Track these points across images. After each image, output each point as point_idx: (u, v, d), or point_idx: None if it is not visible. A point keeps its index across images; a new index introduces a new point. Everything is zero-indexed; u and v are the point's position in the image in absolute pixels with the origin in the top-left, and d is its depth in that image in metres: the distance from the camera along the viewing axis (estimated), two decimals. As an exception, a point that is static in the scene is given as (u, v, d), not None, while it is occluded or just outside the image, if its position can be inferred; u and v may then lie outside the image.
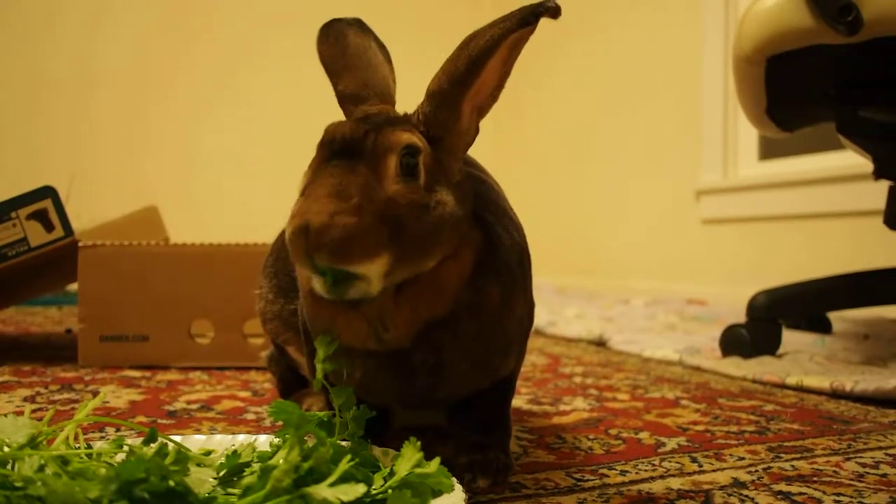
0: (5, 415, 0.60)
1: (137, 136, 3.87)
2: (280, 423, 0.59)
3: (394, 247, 0.58)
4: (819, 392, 1.28)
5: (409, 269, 0.61)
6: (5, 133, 3.62)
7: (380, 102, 0.69)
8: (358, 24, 0.75)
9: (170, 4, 3.94)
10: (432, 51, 4.46)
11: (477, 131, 0.68)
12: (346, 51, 0.72)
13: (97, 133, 3.78)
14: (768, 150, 2.98)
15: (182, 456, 0.55)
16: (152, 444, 0.61)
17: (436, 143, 0.65)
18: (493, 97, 0.67)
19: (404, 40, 4.93)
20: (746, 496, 0.72)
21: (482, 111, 0.67)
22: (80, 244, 1.46)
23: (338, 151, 0.60)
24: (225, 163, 3.98)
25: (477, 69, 0.63)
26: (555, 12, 0.62)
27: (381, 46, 0.75)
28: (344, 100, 0.70)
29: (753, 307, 1.60)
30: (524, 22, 0.62)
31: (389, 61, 0.75)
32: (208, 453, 0.64)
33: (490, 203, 0.74)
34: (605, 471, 0.80)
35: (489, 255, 0.69)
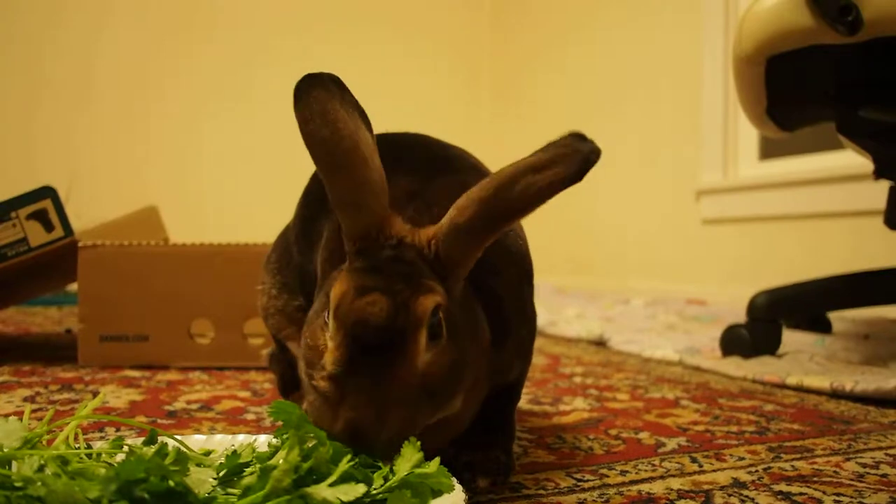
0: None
1: (137, 137, 3.87)
2: (280, 422, 0.59)
3: (431, 410, 0.61)
4: (819, 392, 1.28)
5: (440, 414, 0.63)
6: (5, 133, 3.62)
7: (377, 211, 0.63)
8: (339, 91, 0.64)
9: (170, 5, 3.94)
10: (431, 51, 4.47)
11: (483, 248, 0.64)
12: (341, 141, 0.62)
13: (97, 133, 3.78)
14: (768, 150, 2.98)
15: (182, 456, 0.55)
16: (152, 445, 0.61)
17: (448, 275, 0.62)
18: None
19: (403, 41, 4.89)
20: (747, 496, 0.72)
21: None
22: (80, 244, 1.46)
23: (370, 345, 0.57)
24: (225, 163, 3.98)
25: (518, 215, 0.61)
26: (599, 157, 0.61)
27: (362, 112, 0.66)
28: (339, 206, 0.63)
29: (753, 307, 1.60)
30: (576, 178, 0.60)
31: (369, 126, 0.66)
32: (208, 453, 0.64)
33: None
34: (605, 471, 0.79)
35: (493, 333, 0.70)
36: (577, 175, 0.60)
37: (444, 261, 0.62)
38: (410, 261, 0.61)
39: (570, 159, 0.60)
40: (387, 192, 0.64)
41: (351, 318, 0.57)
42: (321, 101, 0.62)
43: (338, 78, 0.64)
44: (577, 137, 0.61)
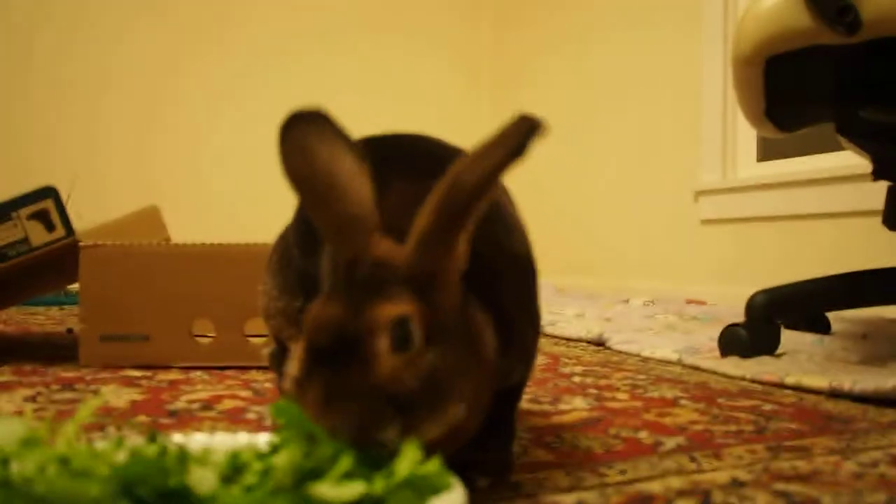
0: None
1: (139, 137, 3.87)
2: (280, 422, 0.59)
3: (405, 417, 0.58)
4: (818, 392, 1.28)
5: (432, 428, 0.60)
6: (6, 132, 3.62)
7: (358, 240, 0.62)
8: (321, 123, 0.63)
9: (173, 7, 3.95)
10: (432, 52, 4.48)
11: (468, 250, 0.64)
12: (316, 176, 0.62)
13: (99, 133, 3.79)
14: (768, 151, 2.98)
15: (183, 455, 0.55)
16: (153, 444, 0.61)
17: (429, 285, 0.61)
18: (482, 210, 0.62)
19: (404, 42, 4.89)
20: (745, 495, 0.72)
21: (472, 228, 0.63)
22: (81, 244, 1.47)
23: (325, 349, 0.58)
24: (227, 163, 3.99)
25: (474, 207, 0.60)
26: (543, 131, 0.60)
27: (345, 139, 0.64)
28: (324, 237, 0.64)
29: (752, 307, 1.60)
30: (518, 152, 0.59)
31: (354, 151, 0.65)
32: (209, 453, 0.64)
33: (496, 232, 0.74)
34: (604, 470, 0.80)
35: (503, 341, 0.69)
36: (518, 149, 0.59)
37: (420, 275, 0.61)
38: (382, 277, 0.61)
39: (511, 136, 0.60)
40: (374, 217, 0.63)
41: (309, 327, 0.59)
42: (300, 137, 0.63)
43: (322, 111, 0.64)
44: (521, 117, 0.61)
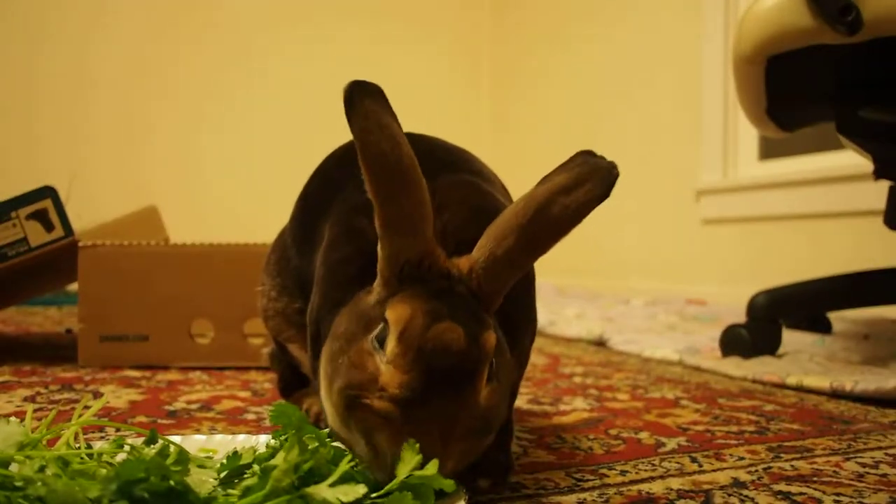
0: None
1: (137, 136, 3.87)
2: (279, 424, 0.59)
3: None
4: (819, 392, 1.28)
5: (478, 453, 0.61)
6: (5, 133, 3.62)
7: (427, 238, 0.61)
8: (387, 104, 0.61)
9: (170, 3, 3.94)
10: (431, 47, 4.46)
11: None
12: (400, 158, 0.59)
13: (97, 133, 3.78)
14: (768, 150, 2.98)
15: (183, 456, 0.55)
16: (153, 445, 0.61)
17: (490, 306, 0.62)
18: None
19: (403, 38, 4.85)
20: (746, 496, 0.72)
21: None
22: (80, 244, 1.46)
23: (447, 373, 0.56)
24: (225, 162, 3.98)
25: (557, 238, 0.61)
26: (618, 171, 0.64)
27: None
28: (391, 226, 0.60)
29: (753, 307, 1.60)
30: (605, 197, 0.62)
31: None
32: (209, 454, 0.64)
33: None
34: (605, 471, 0.80)
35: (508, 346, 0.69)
36: (606, 193, 0.61)
37: (484, 294, 0.61)
38: (464, 295, 0.60)
39: (597, 177, 0.61)
40: (431, 209, 0.61)
41: (429, 344, 0.56)
42: (377, 113, 0.59)
43: (382, 89, 0.62)
44: (590, 154, 0.62)
